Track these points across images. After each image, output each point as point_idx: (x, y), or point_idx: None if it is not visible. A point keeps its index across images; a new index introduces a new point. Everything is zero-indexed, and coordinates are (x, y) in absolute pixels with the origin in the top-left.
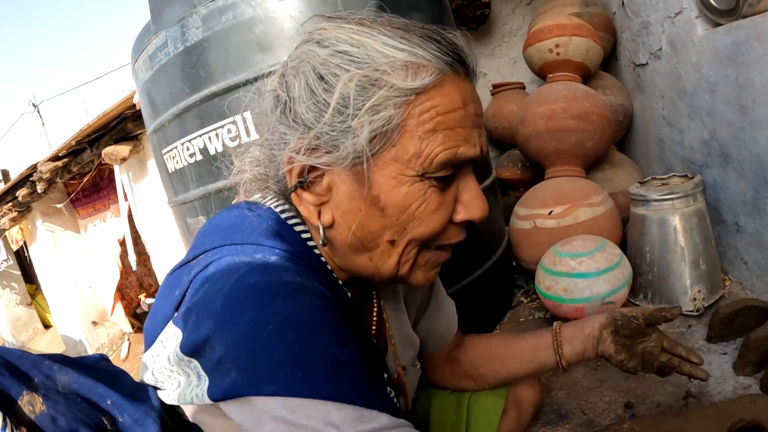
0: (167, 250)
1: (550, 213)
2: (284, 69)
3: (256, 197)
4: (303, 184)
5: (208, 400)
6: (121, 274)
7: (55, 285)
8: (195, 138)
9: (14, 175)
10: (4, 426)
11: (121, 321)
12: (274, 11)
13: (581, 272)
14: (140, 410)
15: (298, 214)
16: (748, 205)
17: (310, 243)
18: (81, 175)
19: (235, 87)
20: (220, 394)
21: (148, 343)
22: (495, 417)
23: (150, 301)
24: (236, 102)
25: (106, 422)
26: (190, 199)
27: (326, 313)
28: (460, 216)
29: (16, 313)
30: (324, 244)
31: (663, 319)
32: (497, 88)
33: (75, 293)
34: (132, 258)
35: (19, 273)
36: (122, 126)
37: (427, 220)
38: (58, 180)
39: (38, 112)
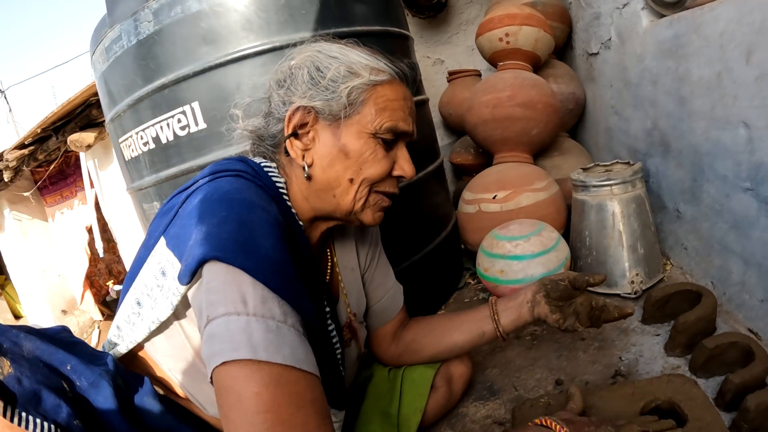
0: (134, 237)
1: (494, 198)
2: (290, 65)
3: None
4: (296, 135)
5: (180, 288)
6: (90, 261)
7: (24, 274)
8: (148, 127)
9: None
10: None
11: (90, 309)
12: (219, 5)
13: (516, 255)
14: (96, 374)
15: (276, 170)
16: (687, 193)
17: (281, 189)
18: (48, 162)
19: (184, 78)
20: (186, 270)
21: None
22: (425, 388)
23: (119, 288)
24: (185, 92)
25: (65, 385)
26: (145, 185)
27: (276, 230)
28: (396, 172)
29: None
30: (307, 178)
31: (586, 284)
32: (453, 76)
33: (44, 282)
34: (99, 245)
35: None
36: (87, 113)
37: (376, 165)
38: (24, 168)
39: (5, 98)
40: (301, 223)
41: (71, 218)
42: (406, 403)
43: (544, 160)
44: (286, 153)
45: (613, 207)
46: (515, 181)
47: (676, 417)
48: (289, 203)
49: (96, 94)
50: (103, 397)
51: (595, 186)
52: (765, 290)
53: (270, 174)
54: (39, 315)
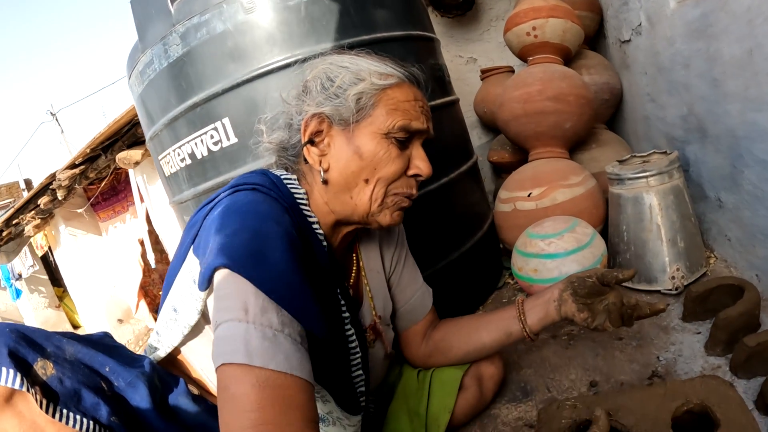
0: None
1: (529, 195)
2: (305, 77)
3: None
4: (312, 143)
5: (201, 294)
6: (144, 272)
7: (81, 286)
8: (184, 144)
9: (37, 184)
10: (22, 384)
11: (145, 317)
12: (243, 23)
13: (549, 253)
14: (133, 375)
15: (296, 181)
16: (727, 181)
17: (300, 200)
18: (99, 180)
19: (214, 96)
20: (202, 278)
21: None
22: (453, 388)
23: None
24: (216, 109)
25: (104, 386)
26: (184, 199)
27: (285, 242)
28: (412, 171)
29: (45, 315)
30: (324, 182)
31: (616, 280)
32: (486, 74)
33: (100, 293)
34: (151, 256)
35: (46, 277)
36: (133, 131)
37: (390, 164)
38: (76, 186)
39: (57, 120)
40: (320, 231)
41: (124, 232)
42: (435, 402)
43: (581, 154)
44: (306, 161)
45: (649, 199)
46: (550, 177)
47: (709, 421)
48: (306, 212)
49: None
50: (140, 396)
51: (629, 178)
52: None
53: (289, 185)
54: (96, 325)
